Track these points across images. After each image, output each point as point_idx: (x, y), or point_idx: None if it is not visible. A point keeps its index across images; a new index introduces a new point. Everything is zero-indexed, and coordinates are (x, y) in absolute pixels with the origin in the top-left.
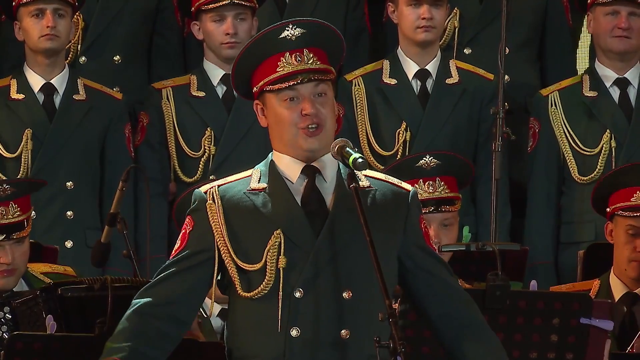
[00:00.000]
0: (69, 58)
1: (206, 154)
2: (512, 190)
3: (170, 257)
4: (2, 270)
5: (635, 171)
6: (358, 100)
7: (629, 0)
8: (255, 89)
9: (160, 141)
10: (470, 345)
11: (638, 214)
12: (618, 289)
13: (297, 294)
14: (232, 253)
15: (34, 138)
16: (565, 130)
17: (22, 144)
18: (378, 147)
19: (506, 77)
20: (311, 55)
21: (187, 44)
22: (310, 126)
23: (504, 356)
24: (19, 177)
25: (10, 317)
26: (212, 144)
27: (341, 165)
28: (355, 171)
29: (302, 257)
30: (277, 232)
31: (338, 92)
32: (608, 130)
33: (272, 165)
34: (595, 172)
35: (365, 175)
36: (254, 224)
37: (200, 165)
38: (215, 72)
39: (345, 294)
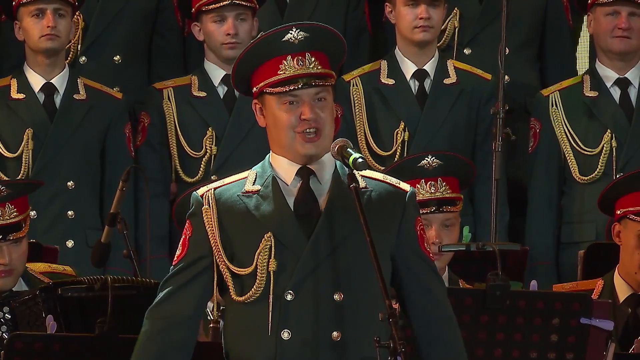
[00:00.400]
0: (69, 58)
1: (207, 154)
2: (512, 190)
3: (173, 262)
4: (0, 271)
5: None
6: (356, 101)
7: (629, 1)
8: (255, 89)
9: (161, 141)
10: None
11: None
12: (623, 290)
13: (288, 297)
14: (225, 259)
15: (35, 138)
16: (566, 130)
17: (22, 143)
18: (376, 147)
19: (506, 77)
20: (313, 59)
21: (187, 44)
22: (308, 131)
23: None
24: (19, 176)
25: (9, 317)
26: (214, 144)
27: (338, 166)
28: (355, 171)
29: (293, 260)
30: (268, 235)
31: (336, 92)
32: (609, 130)
33: (269, 167)
34: (595, 172)
35: (362, 176)
36: (246, 227)
37: (202, 166)
38: (216, 73)
39: (336, 296)
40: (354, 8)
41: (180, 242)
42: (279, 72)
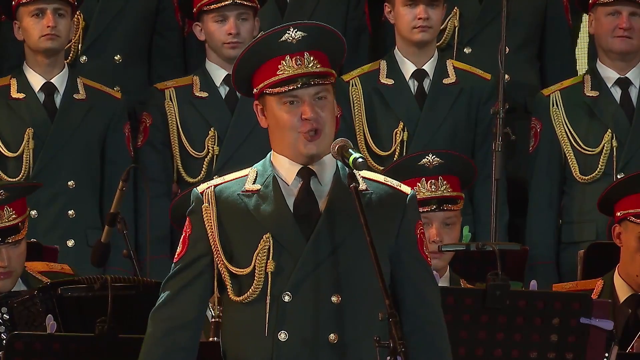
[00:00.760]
0: (69, 58)
1: (210, 154)
2: (512, 190)
3: (174, 260)
4: None
5: None
6: (355, 101)
7: (630, 1)
8: (255, 90)
9: (163, 142)
10: None
11: None
12: (623, 290)
13: (286, 298)
14: (223, 259)
15: (36, 137)
16: (567, 130)
17: (23, 143)
18: (375, 147)
19: (506, 76)
20: (312, 59)
21: (188, 44)
22: (310, 131)
23: None
24: (20, 176)
25: (7, 317)
26: (216, 144)
27: (339, 166)
28: (355, 171)
29: (291, 261)
30: (267, 236)
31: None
32: (609, 130)
33: (269, 166)
34: (596, 172)
35: (363, 177)
36: (245, 227)
37: (204, 166)
38: (218, 73)
39: (334, 298)
40: (354, 8)
41: (180, 240)
42: (278, 73)
